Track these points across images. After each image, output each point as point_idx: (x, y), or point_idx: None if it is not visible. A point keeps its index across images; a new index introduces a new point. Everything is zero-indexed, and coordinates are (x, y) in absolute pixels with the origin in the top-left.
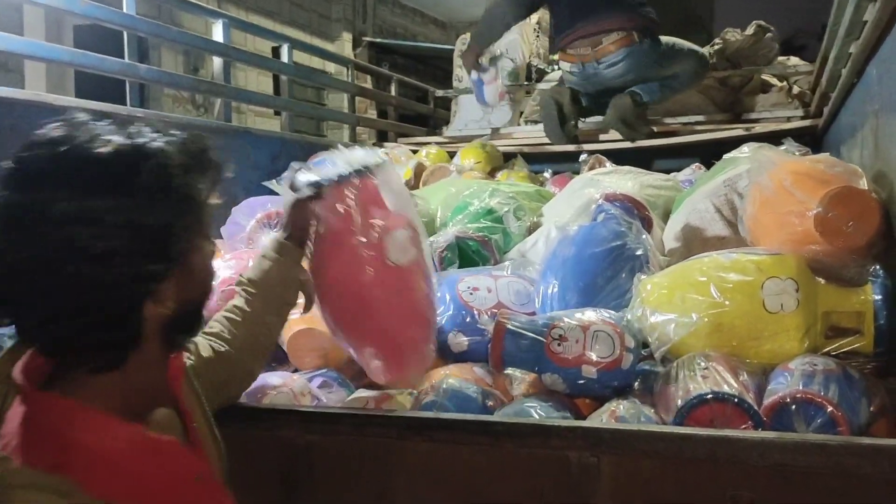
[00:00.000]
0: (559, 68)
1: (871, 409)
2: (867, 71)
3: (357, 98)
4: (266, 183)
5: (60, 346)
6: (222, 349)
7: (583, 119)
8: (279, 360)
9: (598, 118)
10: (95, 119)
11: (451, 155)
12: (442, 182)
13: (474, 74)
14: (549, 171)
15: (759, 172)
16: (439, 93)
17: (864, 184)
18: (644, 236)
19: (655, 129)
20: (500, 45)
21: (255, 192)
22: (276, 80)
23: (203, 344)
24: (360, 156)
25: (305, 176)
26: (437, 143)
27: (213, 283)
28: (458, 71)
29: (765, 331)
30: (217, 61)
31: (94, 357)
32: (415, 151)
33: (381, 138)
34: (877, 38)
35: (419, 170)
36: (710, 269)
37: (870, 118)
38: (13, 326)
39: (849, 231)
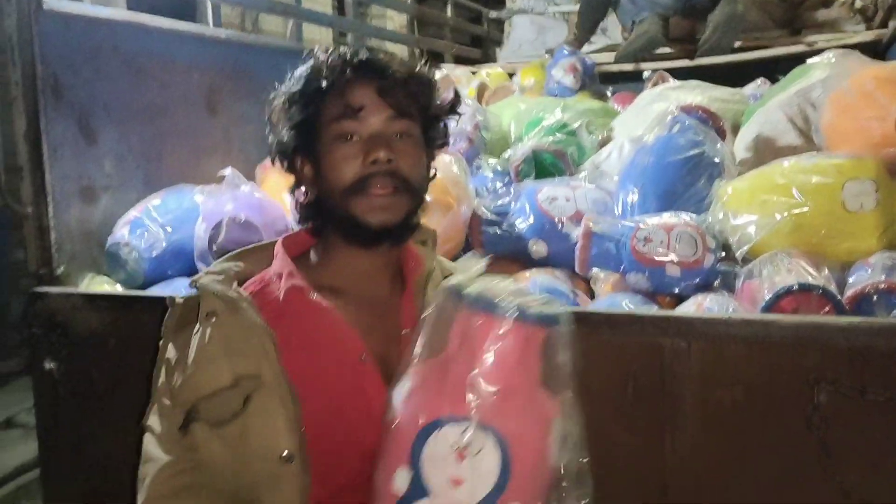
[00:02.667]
0: None
1: None
2: None
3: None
4: None
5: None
6: None
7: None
8: None
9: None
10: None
11: (511, 75)
12: (510, 99)
13: None
14: (610, 89)
15: (841, 79)
16: (493, 14)
17: None
18: (719, 145)
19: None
20: None
21: None
22: (340, 4)
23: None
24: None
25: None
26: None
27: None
28: None
29: (844, 230)
30: None
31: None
32: (474, 72)
33: (437, 60)
34: None
35: (482, 90)
36: (790, 172)
37: None
38: None
39: None
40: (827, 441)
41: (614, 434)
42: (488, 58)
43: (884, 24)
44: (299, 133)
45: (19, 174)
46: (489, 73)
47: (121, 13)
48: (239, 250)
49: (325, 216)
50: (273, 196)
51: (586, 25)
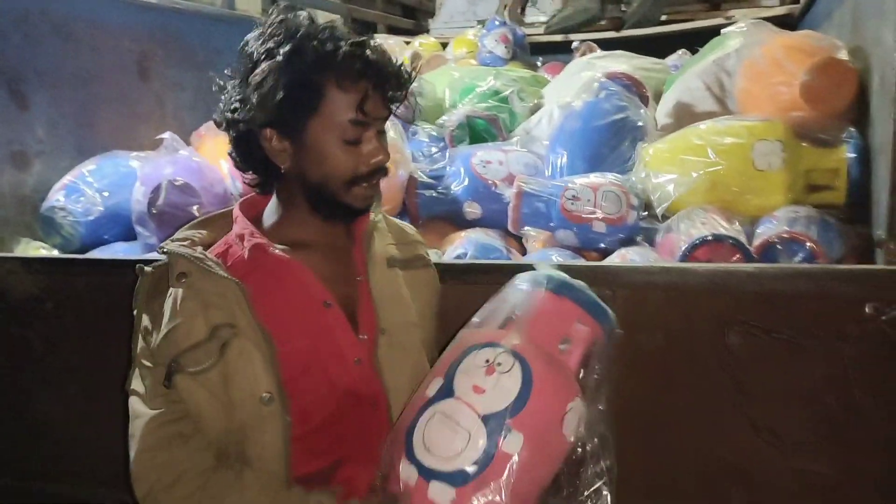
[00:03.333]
0: None
1: (844, 247)
2: None
3: None
4: None
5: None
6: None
7: None
8: None
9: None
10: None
11: (444, 45)
12: (444, 68)
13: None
14: (540, 59)
15: (754, 47)
16: None
17: (844, 55)
18: (642, 110)
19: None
20: None
21: None
22: None
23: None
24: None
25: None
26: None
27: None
28: None
29: (754, 187)
30: None
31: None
32: (407, 43)
33: (371, 30)
34: None
35: (415, 58)
36: (706, 134)
37: (848, 1)
38: None
39: (830, 97)
40: (738, 378)
41: None
42: (420, 28)
43: (795, 0)
44: (284, 112)
45: None
46: (422, 43)
47: None
48: (199, 219)
49: (301, 190)
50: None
51: None
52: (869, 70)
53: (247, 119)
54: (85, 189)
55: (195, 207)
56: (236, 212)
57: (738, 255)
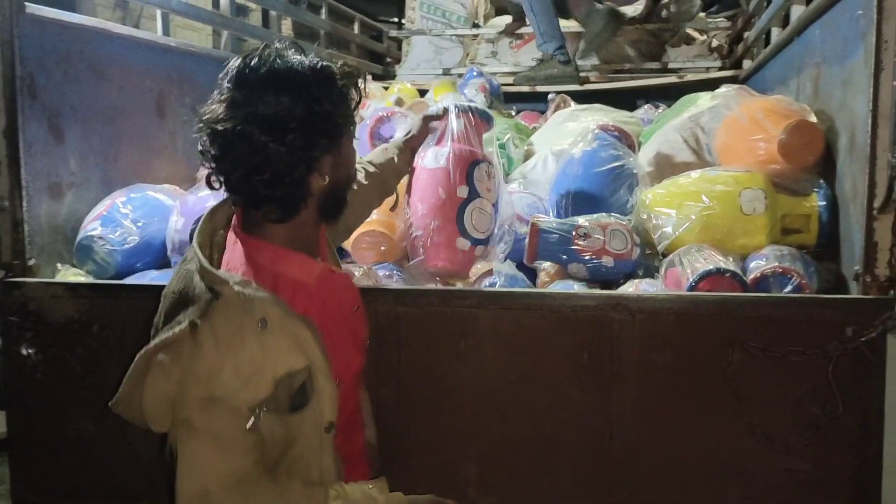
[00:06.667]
0: None
1: (819, 281)
2: (809, 31)
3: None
4: None
5: (256, 198)
6: None
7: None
8: (343, 256)
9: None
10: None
11: (421, 92)
12: None
13: None
14: (514, 108)
15: (732, 107)
16: (393, 33)
17: (813, 118)
18: (632, 158)
19: (599, 75)
20: None
21: None
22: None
23: None
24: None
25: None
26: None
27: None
28: (411, 13)
29: (741, 228)
30: None
31: (276, 210)
32: (385, 88)
33: None
34: (825, 5)
35: (399, 104)
36: (700, 182)
37: (810, 69)
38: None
39: (803, 153)
40: (738, 389)
41: (570, 394)
42: (388, 73)
43: (737, 63)
44: (339, 134)
45: None
46: (400, 88)
47: (89, 20)
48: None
49: (319, 201)
50: None
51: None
52: (834, 131)
53: (324, 149)
54: (120, 219)
55: None
56: (266, 245)
57: (737, 287)
